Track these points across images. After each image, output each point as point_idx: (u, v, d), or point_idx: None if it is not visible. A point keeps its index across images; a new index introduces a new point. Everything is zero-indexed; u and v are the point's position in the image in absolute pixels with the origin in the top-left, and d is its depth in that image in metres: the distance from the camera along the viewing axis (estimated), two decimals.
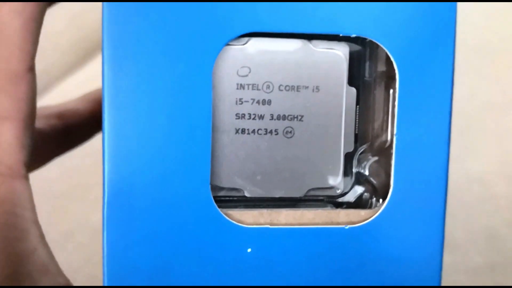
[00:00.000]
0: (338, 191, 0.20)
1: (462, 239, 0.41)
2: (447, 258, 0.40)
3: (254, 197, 0.19)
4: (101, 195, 0.46)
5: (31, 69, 0.18)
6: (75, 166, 0.43)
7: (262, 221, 0.18)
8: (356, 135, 0.19)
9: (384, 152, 0.19)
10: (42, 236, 0.18)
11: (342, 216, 0.18)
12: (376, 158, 0.19)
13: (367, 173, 0.20)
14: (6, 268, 0.17)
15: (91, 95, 0.26)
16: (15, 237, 0.18)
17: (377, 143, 0.19)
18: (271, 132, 0.19)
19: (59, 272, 0.19)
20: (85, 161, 0.43)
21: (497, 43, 0.44)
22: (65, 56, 0.48)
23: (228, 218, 0.18)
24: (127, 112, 0.17)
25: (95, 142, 0.43)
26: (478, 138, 0.43)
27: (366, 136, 0.20)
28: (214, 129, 0.18)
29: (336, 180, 0.19)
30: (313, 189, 0.19)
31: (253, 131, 0.19)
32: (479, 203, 0.42)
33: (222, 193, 0.19)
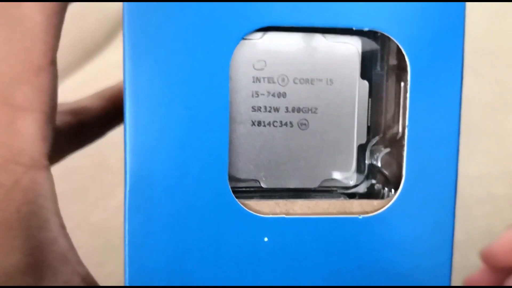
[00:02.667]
0: (351, 182, 0.20)
1: (462, 239, 0.41)
2: None
3: (270, 188, 0.19)
4: (100, 196, 0.46)
5: (53, 62, 0.18)
6: (75, 166, 0.43)
7: (278, 211, 0.18)
8: (368, 127, 0.20)
9: (396, 143, 0.19)
10: (62, 226, 0.19)
11: (356, 206, 0.19)
12: (388, 149, 0.20)
13: (379, 164, 0.20)
14: (28, 257, 0.18)
15: (105, 92, 0.27)
16: (37, 226, 0.18)
17: (388, 135, 0.20)
18: (286, 124, 0.19)
19: (79, 261, 0.19)
20: (85, 161, 0.43)
21: (497, 43, 0.45)
22: (65, 56, 0.48)
23: (245, 208, 0.18)
24: (147, 105, 0.17)
25: (95, 143, 0.43)
26: (477, 138, 0.43)
27: (378, 128, 0.20)
28: (231, 121, 0.19)
29: (349, 172, 0.20)
30: (326, 180, 0.20)
31: (269, 123, 0.19)
32: (479, 204, 0.42)
33: (238, 184, 0.19)
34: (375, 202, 0.19)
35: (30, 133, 0.18)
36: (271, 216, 0.18)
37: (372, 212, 0.19)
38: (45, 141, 0.18)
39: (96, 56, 0.51)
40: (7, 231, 0.18)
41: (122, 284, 0.40)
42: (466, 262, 0.41)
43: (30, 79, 0.18)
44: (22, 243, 0.18)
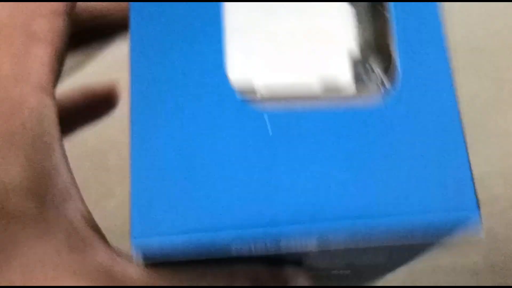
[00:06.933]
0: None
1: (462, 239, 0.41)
2: (447, 259, 0.40)
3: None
4: (100, 196, 0.46)
5: (69, 14, 0.19)
6: (74, 166, 0.43)
7: None
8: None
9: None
10: (65, 156, 0.18)
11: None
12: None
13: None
14: (30, 181, 0.17)
15: None
16: (41, 150, 0.18)
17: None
18: None
19: (81, 198, 0.19)
20: (85, 161, 0.43)
21: (497, 43, 0.45)
22: None
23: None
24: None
25: (94, 143, 0.43)
26: (478, 138, 0.43)
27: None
28: None
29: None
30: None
31: None
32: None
33: None
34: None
35: (40, 61, 0.18)
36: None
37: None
38: (53, 72, 0.19)
39: (96, 56, 0.51)
40: (9, 145, 0.17)
41: None
42: (467, 262, 0.41)
43: (48, 16, 0.18)
44: (24, 161, 0.17)
